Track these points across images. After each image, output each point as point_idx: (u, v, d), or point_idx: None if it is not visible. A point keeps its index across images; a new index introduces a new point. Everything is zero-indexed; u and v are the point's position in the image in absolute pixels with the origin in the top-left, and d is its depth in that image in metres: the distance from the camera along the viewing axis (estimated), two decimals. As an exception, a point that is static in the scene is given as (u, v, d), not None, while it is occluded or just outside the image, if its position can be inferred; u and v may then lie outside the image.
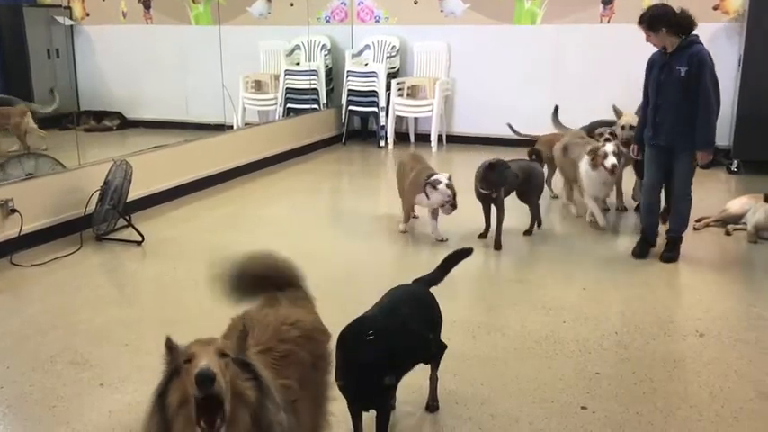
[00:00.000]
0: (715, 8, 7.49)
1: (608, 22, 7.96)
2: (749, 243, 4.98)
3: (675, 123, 4.36)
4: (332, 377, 2.17)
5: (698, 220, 5.26)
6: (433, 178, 4.73)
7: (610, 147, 4.97)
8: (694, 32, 4.32)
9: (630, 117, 5.39)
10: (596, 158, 4.99)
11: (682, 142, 4.37)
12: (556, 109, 6.59)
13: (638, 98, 4.77)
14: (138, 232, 5.02)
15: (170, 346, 1.64)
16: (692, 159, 4.43)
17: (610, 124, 5.77)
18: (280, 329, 1.94)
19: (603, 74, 7.80)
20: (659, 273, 4.43)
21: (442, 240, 4.93)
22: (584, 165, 5.13)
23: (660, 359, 3.30)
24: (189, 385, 1.53)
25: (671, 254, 4.57)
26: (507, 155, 5.37)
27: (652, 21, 4.32)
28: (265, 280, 2.29)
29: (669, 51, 4.34)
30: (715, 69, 4.30)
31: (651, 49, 4.54)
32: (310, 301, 2.36)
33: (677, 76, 4.30)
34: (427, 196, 4.78)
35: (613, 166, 4.88)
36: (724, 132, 7.07)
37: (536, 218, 5.18)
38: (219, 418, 1.53)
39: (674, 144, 4.41)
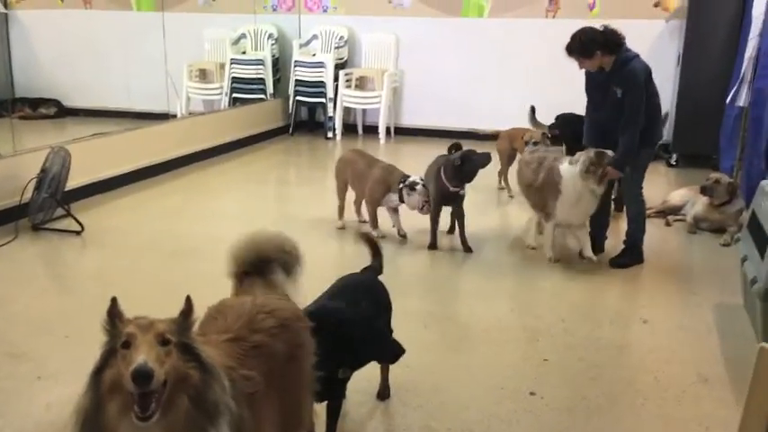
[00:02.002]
0: (656, 5, 7.68)
1: (553, 16, 8.08)
2: (688, 233, 5.13)
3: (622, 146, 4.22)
4: (312, 368, 2.09)
5: None
6: (409, 181, 4.64)
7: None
8: (625, 45, 4.21)
9: None
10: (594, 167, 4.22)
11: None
12: (532, 109, 6.21)
13: (580, 92, 4.63)
14: (78, 222, 4.85)
15: (112, 314, 1.57)
16: (640, 162, 4.39)
17: (577, 118, 5.59)
18: (254, 318, 1.87)
19: (549, 69, 7.89)
20: (604, 263, 4.50)
21: (403, 236, 4.86)
22: (568, 179, 4.33)
23: (606, 345, 3.37)
24: (124, 378, 1.47)
25: (622, 259, 4.45)
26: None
27: (584, 48, 4.16)
28: (269, 259, 2.21)
29: (607, 70, 4.24)
30: (652, 79, 4.23)
31: None
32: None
33: (615, 98, 4.22)
34: (402, 198, 4.68)
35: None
36: (665, 128, 7.26)
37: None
38: (154, 404, 1.48)
39: None
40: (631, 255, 4.48)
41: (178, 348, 1.55)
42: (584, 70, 4.42)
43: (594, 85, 4.37)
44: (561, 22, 7.98)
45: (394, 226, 4.91)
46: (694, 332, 3.53)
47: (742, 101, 5.90)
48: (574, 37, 4.22)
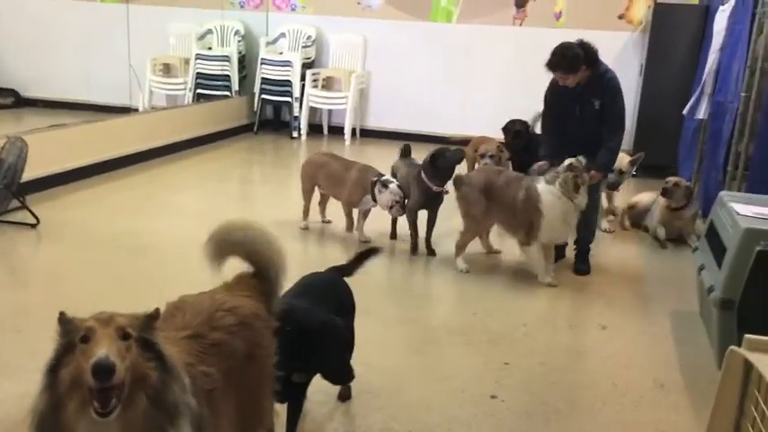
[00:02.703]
0: (620, 17, 7.82)
1: (520, 24, 8.16)
2: (661, 248, 5.11)
3: (593, 147, 4.29)
4: (272, 368, 2.05)
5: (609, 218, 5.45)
6: (383, 178, 4.58)
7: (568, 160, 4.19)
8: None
9: (624, 162, 5.25)
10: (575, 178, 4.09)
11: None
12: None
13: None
14: (33, 214, 4.72)
15: (64, 321, 1.51)
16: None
17: (525, 124, 5.58)
18: (213, 316, 1.83)
19: (516, 76, 7.99)
20: (565, 270, 4.56)
21: (366, 241, 4.76)
22: (548, 197, 4.14)
23: (566, 350, 3.40)
24: (84, 372, 1.42)
25: (583, 266, 4.54)
26: (422, 151, 5.39)
27: (571, 64, 4.12)
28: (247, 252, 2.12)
29: (581, 84, 4.24)
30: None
31: None
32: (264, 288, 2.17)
33: (593, 110, 4.26)
34: (374, 198, 4.61)
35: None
36: (625, 137, 7.38)
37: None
38: (115, 400, 1.43)
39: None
40: (587, 259, 4.58)
41: (139, 344, 1.51)
42: (546, 88, 4.43)
43: (567, 100, 4.32)
44: (528, 30, 8.08)
45: (356, 229, 4.88)
46: (652, 338, 3.58)
47: (702, 113, 6.03)
48: (558, 54, 4.14)
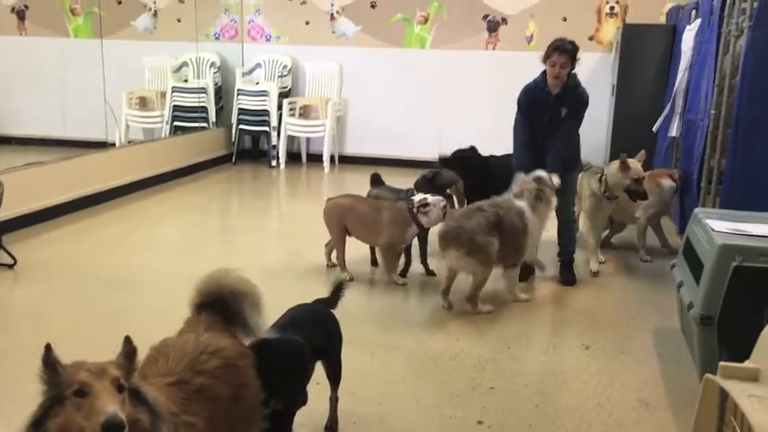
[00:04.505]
0: (590, 39, 7.95)
1: (493, 48, 8.27)
2: (643, 262, 5.16)
3: (559, 153, 4.48)
4: (258, 407, 2.04)
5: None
6: (417, 202, 4.28)
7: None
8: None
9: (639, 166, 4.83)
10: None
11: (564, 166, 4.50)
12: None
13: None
14: (10, 254, 4.67)
15: (49, 363, 1.48)
16: (572, 185, 4.70)
17: (473, 149, 5.39)
18: (197, 360, 1.81)
19: (489, 98, 8.08)
20: (546, 289, 4.59)
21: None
22: (530, 214, 4.22)
23: (550, 371, 3.41)
24: (87, 428, 1.41)
25: (569, 276, 4.64)
26: (399, 176, 5.42)
27: (575, 52, 4.32)
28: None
29: (555, 92, 4.38)
30: None
31: (531, 75, 4.57)
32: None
33: (558, 117, 4.44)
34: (419, 224, 4.33)
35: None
36: (599, 155, 7.48)
37: None
38: None
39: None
40: (572, 269, 4.70)
41: (128, 393, 1.52)
42: (520, 94, 4.56)
43: (540, 106, 4.44)
44: (501, 54, 8.19)
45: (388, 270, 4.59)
46: (635, 357, 3.60)
47: (674, 132, 6.13)
48: (566, 41, 4.33)
